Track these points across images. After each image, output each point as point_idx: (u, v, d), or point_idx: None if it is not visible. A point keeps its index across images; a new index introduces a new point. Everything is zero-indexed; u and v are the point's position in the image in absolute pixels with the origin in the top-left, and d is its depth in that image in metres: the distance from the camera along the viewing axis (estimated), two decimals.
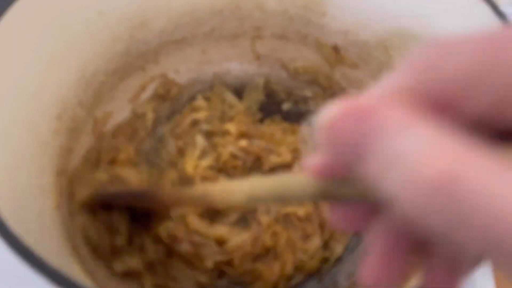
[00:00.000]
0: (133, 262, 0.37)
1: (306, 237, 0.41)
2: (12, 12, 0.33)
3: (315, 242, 0.41)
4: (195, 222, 0.39)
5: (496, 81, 0.12)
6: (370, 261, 0.15)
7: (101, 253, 0.37)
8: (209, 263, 0.38)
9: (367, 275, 0.15)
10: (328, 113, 0.13)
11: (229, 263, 0.39)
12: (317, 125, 0.14)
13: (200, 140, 0.44)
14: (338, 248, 0.42)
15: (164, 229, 0.39)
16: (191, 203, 0.30)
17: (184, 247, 0.38)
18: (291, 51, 0.48)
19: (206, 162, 0.43)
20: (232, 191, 0.22)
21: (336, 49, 0.45)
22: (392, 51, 0.41)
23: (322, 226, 0.41)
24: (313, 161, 0.16)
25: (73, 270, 0.33)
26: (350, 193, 0.16)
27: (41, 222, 0.33)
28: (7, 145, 0.32)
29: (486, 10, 0.35)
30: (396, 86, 0.14)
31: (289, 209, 0.41)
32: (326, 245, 0.41)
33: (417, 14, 0.39)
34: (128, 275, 0.37)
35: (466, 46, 0.13)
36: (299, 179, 0.18)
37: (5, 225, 0.26)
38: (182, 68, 0.48)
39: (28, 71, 0.35)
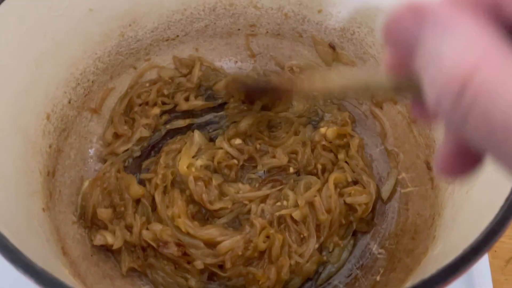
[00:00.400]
0: (111, 239, 0.39)
1: (302, 240, 0.40)
2: (0, 9, 0.32)
3: (311, 245, 0.39)
4: (185, 223, 0.38)
5: None
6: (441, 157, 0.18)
7: (87, 223, 0.40)
8: (198, 265, 0.37)
9: (439, 167, 0.18)
10: (395, 10, 0.16)
11: (220, 266, 0.38)
12: (384, 20, 0.16)
13: (197, 137, 0.43)
14: (336, 251, 0.41)
15: (150, 232, 0.38)
16: (298, 89, 0.34)
17: (171, 250, 0.38)
18: (287, 49, 0.47)
19: (201, 162, 0.42)
20: (328, 80, 0.26)
21: (332, 46, 0.44)
22: None
23: (318, 229, 0.40)
24: (385, 57, 0.19)
25: (62, 273, 0.32)
26: (413, 89, 0.18)
27: (29, 224, 0.32)
28: None
29: None
30: None
31: (284, 211, 0.39)
32: (322, 248, 0.40)
33: None
34: (106, 249, 0.40)
35: None
36: (379, 73, 0.21)
37: None
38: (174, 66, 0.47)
39: (16, 69, 0.34)
